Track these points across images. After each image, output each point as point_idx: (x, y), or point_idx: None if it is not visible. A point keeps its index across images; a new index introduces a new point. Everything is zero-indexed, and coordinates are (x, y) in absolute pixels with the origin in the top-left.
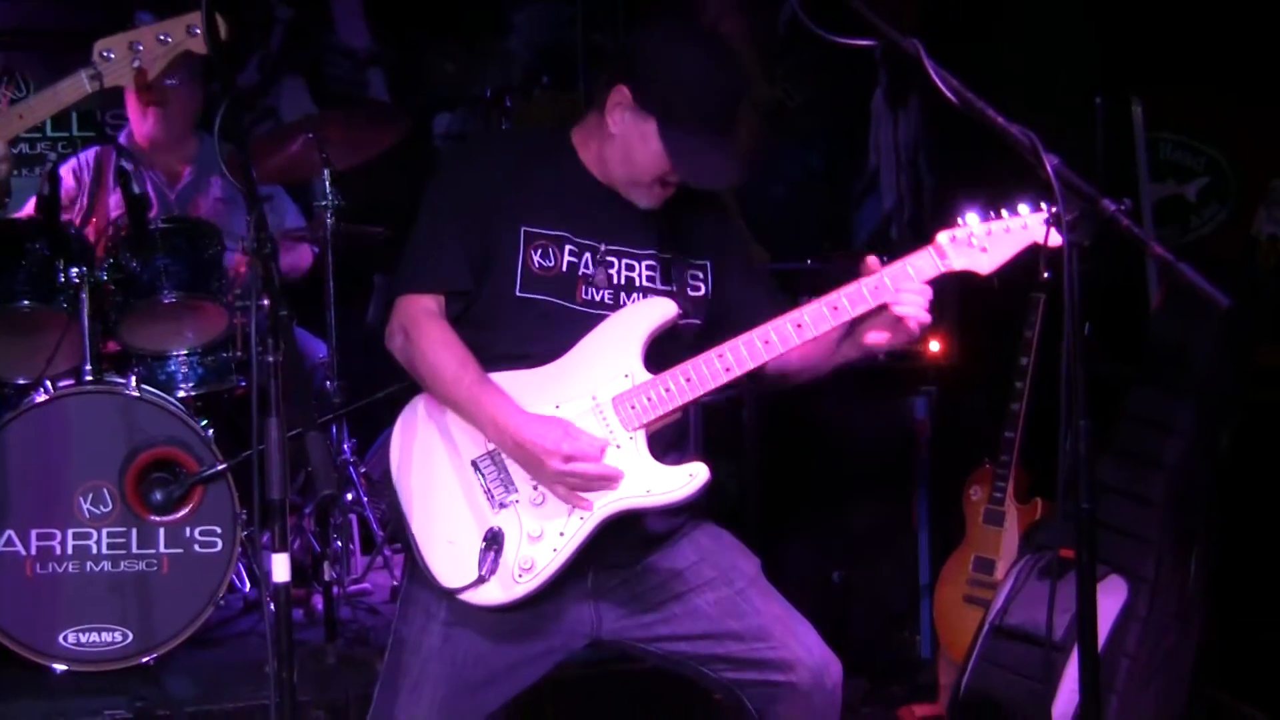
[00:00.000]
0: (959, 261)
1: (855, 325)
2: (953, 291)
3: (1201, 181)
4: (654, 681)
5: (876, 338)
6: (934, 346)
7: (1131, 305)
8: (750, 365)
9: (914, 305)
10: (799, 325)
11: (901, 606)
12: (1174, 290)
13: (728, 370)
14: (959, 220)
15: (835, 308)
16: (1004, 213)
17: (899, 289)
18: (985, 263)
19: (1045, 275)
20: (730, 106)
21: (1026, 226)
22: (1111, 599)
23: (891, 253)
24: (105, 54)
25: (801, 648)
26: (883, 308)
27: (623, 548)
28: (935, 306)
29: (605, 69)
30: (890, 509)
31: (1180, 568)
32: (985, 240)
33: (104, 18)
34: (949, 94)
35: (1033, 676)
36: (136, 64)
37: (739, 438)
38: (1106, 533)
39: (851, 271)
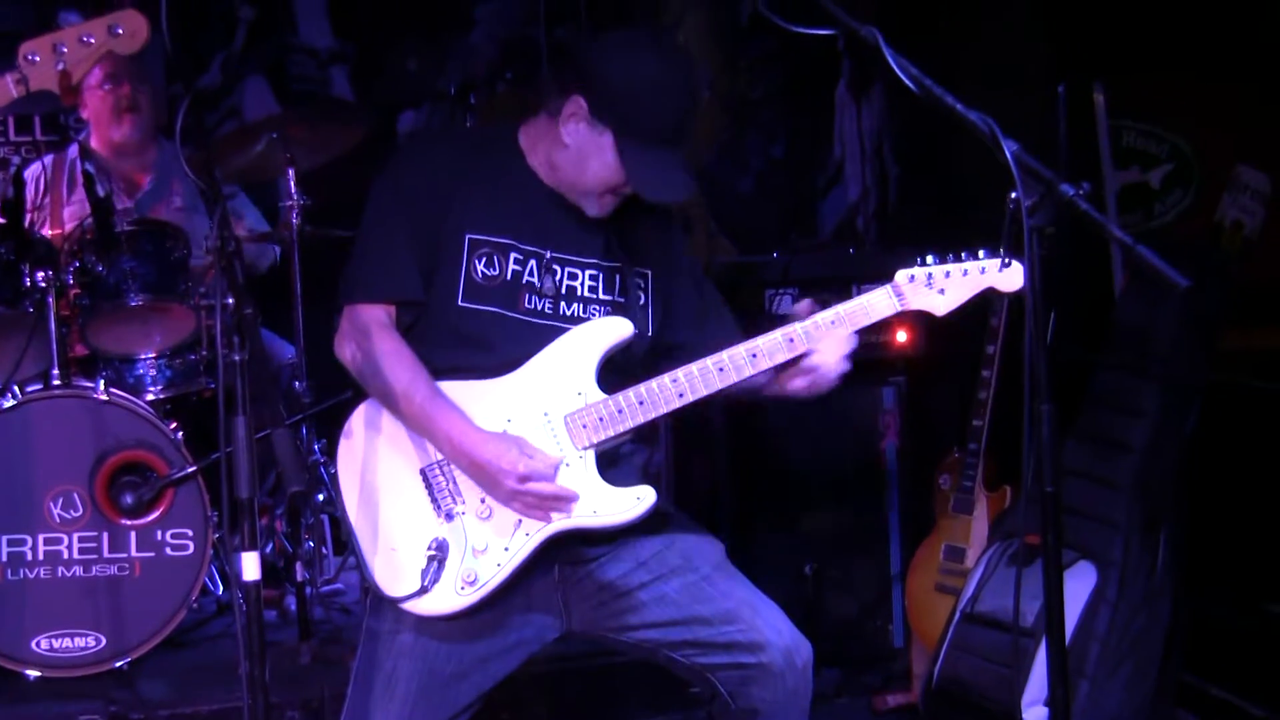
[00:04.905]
0: (916, 301)
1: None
2: None
3: (1165, 168)
4: (629, 676)
5: (796, 384)
6: (901, 337)
7: (1097, 292)
8: (704, 392)
9: (832, 354)
10: (754, 354)
11: (873, 596)
12: (1138, 275)
13: (681, 395)
14: (918, 260)
15: (792, 339)
16: (963, 255)
17: (824, 337)
18: (942, 304)
19: (1007, 262)
20: (685, 121)
21: (984, 271)
22: (1080, 583)
23: (858, 243)
24: (30, 57)
25: (770, 629)
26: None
27: (587, 542)
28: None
29: (559, 75)
30: (860, 499)
31: (1148, 551)
32: (944, 282)
33: (32, 17)
34: (908, 82)
35: (1004, 663)
36: (60, 66)
37: (709, 431)
38: (1074, 517)
39: (818, 262)
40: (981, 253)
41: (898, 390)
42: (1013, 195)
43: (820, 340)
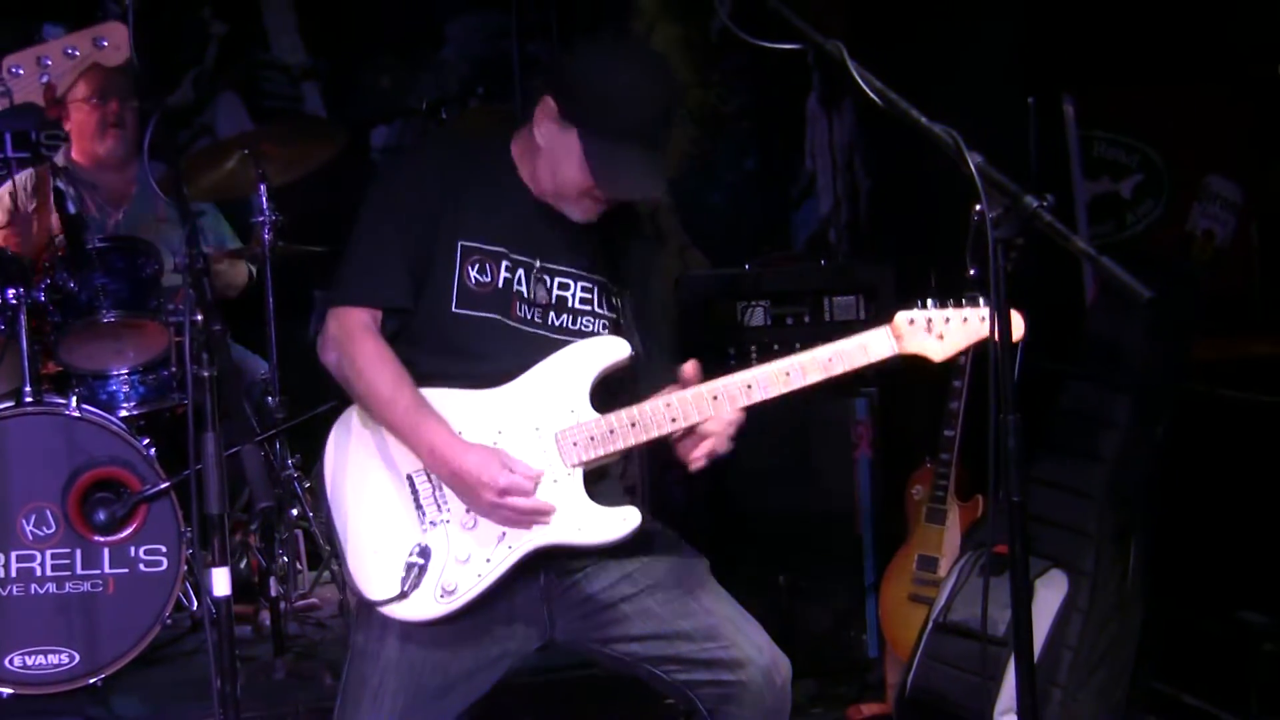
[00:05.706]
0: (913, 345)
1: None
2: (889, 294)
3: (1136, 178)
4: (609, 688)
5: (690, 452)
6: None
7: (1068, 302)
8: (697, 419)
9: (720, 426)
10: (749, 386)
11: (847, 607)
12: (1107, 285)
13: (673, 421)
14: (918, 303)
15: (788, 374)
16: (963, 302)
17: (819, 372)
18: (938, 350)
19: (972, 273)
20: (656, 119)
21: (984, 320)
22: (1052, 592)
23: (830, 256)
24: (13, 70)
25: (751, 647)
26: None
27: (573, 554)
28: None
29: (537, 82)
30: (834, 510)
31: (1119, 559)
32: (943, 327)
33: (9, 30)
34: (872, 95)
35: (976, 671)
36: (45, 79)
37: None
38: (1046, 527)
39: (791, 274)
40: (982, 301)
41: (870, 401)
42: (977, 207)
43: (812, 375)
